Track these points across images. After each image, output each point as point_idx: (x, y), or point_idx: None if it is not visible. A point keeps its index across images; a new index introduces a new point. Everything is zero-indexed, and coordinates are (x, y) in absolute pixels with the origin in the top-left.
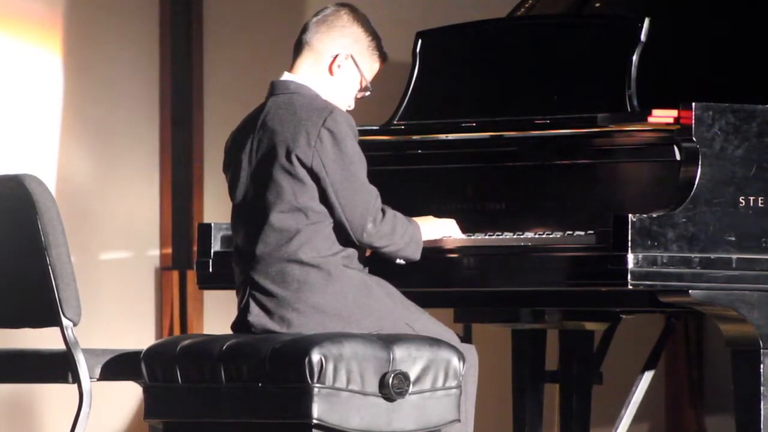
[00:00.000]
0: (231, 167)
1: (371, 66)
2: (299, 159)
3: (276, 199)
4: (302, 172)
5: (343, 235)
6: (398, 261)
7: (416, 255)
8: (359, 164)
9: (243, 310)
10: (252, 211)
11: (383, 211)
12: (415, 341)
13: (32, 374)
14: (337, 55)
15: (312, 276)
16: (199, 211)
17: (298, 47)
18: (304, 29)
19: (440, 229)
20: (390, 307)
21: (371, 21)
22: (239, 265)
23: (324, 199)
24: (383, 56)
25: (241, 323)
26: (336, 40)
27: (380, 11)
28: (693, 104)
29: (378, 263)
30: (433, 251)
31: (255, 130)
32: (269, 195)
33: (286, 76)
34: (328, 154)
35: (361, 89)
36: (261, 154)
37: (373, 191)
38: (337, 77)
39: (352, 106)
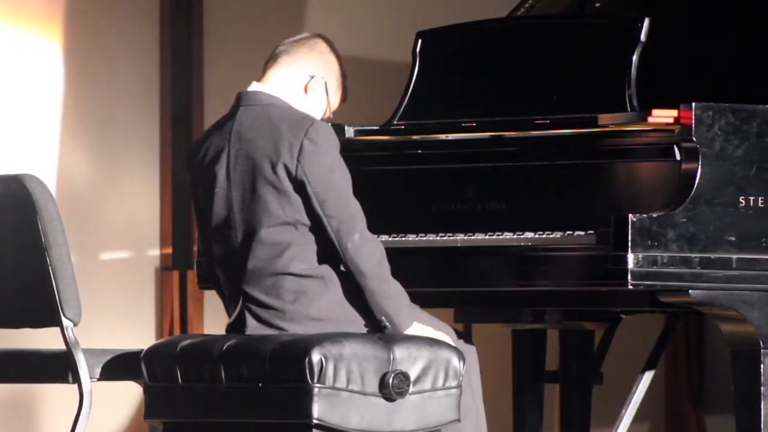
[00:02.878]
0: (202, 183)
1: (335, 99)
2: (284, 171)
3: (264, 215)
4: (287, 185)
5: (331, 248)
6: (382, 318)
7: (400, 320)
8: (342, 175)
9: (238, 322)
10: (238, 228)
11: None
12: (415, 341)
13: (32, 374)
14: (313, 76)
15: (307, 285)
16: None
17: (273, 59)
18: (280, 46)
19: (425, 331)
20: None
21: (371, 20)
22: (228, 278)
23: (310, 210)
24: (345, 96)
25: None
26: (313, 62)
27: (380, 11)
28: (693, 104)
29: None
30: (434, 251)
31: (228, 143)
32: (257, 211)
33: (255, 87)
34: (310, 164)
35: (323, 117)
36: (241, 169)
37: (357, 204)
38: (311, 97)
39: None
